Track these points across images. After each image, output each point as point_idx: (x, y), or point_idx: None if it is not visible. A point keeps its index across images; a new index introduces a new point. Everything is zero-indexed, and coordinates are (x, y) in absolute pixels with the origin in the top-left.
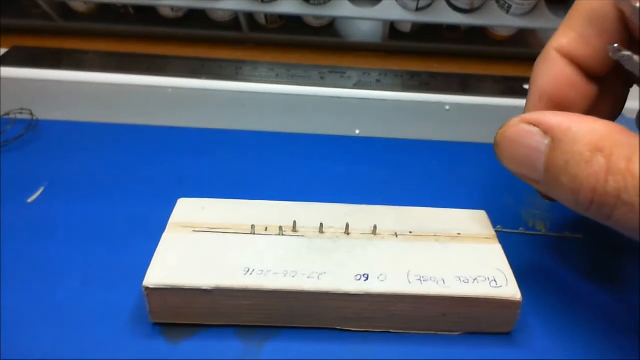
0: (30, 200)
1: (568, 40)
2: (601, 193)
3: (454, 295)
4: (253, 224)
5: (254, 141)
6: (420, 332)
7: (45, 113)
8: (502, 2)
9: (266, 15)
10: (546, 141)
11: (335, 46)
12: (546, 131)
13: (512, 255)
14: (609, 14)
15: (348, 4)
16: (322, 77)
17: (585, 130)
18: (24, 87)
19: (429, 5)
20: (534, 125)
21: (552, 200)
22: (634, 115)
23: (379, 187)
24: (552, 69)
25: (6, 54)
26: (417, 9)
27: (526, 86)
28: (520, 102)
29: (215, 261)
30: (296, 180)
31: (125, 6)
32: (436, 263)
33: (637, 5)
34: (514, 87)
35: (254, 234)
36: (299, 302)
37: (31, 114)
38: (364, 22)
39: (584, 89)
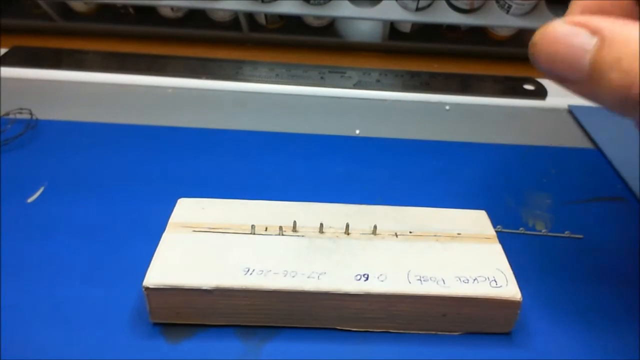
0: (30, 200)
1: None
2: None
3: (454, 295)
4: (253, 224)
5: (254, 141)
6: (420, 332)
7: (44, 113)
8: (502, 2)
9: (266, 15)
10: (593, 41)
11: (335, 46)
12: (594, 32)
13: (512, 255)
14: None
15: (348, 4)
16: (322, 77)
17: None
18: (23, 87)
19: (429, 5)
20: (581, 26)
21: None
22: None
23: (379, 187)
24: None
25: (6, 54)
26: (417, 9)
27: (526, 86)
28: (520, 102)
29: (215, 261)
30: (296, 180)
31: (125, 6)
32: (436, 263)
33: None
34: (514, 87)
35: (254, 234)
36: (299, 302)
37: (31, 113)
38: (364, 22)
39: (629, 8)
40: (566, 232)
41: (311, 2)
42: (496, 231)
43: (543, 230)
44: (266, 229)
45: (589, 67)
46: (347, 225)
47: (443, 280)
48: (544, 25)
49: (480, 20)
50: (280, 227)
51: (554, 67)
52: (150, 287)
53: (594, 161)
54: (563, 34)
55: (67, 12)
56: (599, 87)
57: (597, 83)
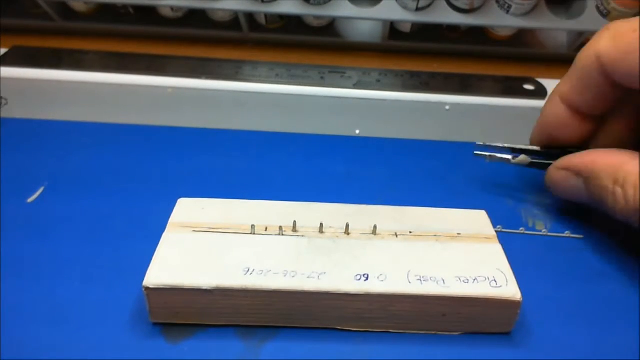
0: (30, 200)
1: (567, 89)
2: (627, 215)
3: (454, 295)
4: (253, 224)
5: (254, 141)
6: (420, 332)
7: (45, 113)
8: (502, 2)
9: (266, 15)
10: (580, 180)
11: (335, 46)
12: (577, 173)
13: (512, 255)
14: (593, 72)
15: (348, 4)
16: (322, 77)
17: (605, 165)
18: (24, 87)
19: (429, 5)
20: (567, 169)
21: None
22: None
23: (379, 187)
24: (552, 110)
25: (6, 54)
26: (417, 9)
27: (526, 86)
28: (520, 102)
29: (215, 261)
30: (296, 180)
31: (125, 6)
32: (436, 263)
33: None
34: (514, 87)
35: (254, 234)
36: (299, 302)
37: (31, 113)
38: (364, 22)
39: (577, 127)
40: (566, 232)
41: (311, 2)
42: (496, 231)
43: (543, 230)
44: (266, 229)
45: (590, 201)
46: (347, 225)
47: (443, 280)
48: (548, 170)
49: (480, 20)
50: (280, 227)
51: (573, 201)
52: (150, 287)
53: None
54: (559, 179)
55: (67, 12)
56: (609, 209)
57: (604, 207)
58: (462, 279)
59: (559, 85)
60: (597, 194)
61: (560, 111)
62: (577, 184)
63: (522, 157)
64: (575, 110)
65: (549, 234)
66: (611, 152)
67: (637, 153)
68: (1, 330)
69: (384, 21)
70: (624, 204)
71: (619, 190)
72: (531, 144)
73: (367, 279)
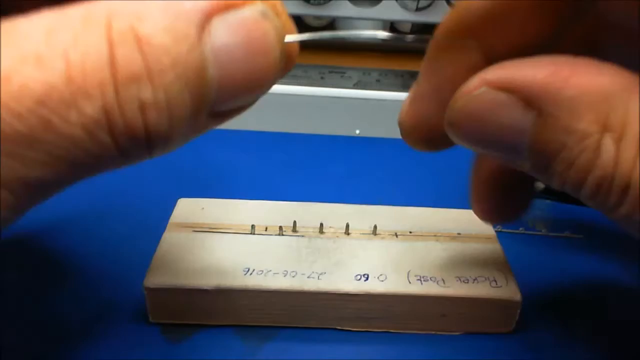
0: None
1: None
2: (606, 191)
3: (454, 296)
4: (253, 224)
5: (254, 141)
6: (420, 332)
7: None
8: None
9: None
10: (530, 115)
11: (335, 46)
12: (528, 101)
13: (512, 255)
14: None
15: (348, 4)
16: (322, 77)
17: (587, 92)
18: None
19: (429, 5)
20: (507, 91)
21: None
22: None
23: (379, 187)
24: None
25: None
26: (417, 9)
27: None
28: None
29: (215, 261)
30: (296, 180)
31: None
32: (436, 263)
33: None
34: None
35: (254, 234)
36: (299, 302)
37: None
38: (364, 22)
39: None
40: (566, 232)
41: (311, 2)
42: (496, 231)
43: (543, 230)
44: (266, 229)
45: (529, 153)
46: (347, 225)
47: (443, 280)
48: (461, 89)
49: None
50: (280, 227)
51: (489, 153)
52: (150, 287)
53: None
54: (486, 108)
55: None
56: (548, 176)
57: (545, 172)
58: (462, 279)
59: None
60: (556, 147)
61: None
62: (519, 124)
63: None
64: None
65: (549, 234)
66: (593, 65)
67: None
68: (1, 329)
69: (384, 21)
70: (611, 169)
71: (608, 142)
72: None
73: (367, 279)
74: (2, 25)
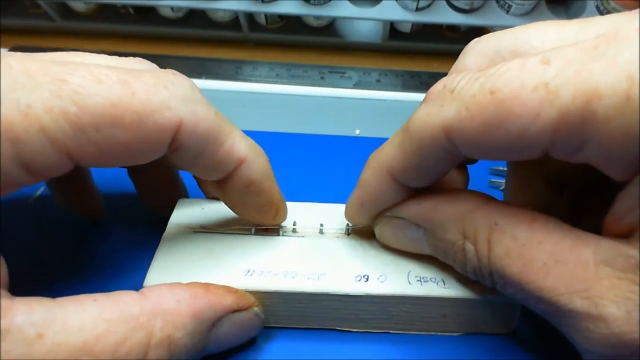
0: (31, 199)
1: (399, 165)
2: (481, 278)
3: (454, 297)
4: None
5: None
6: (420, 332)
7: None
8: (502, 2)
9: (266, 15)
10: (422, 231)
11: (335, 46)
12: (416, 223)
13: None
14: (437, 148)
15: (348, 4)
16: (322, 77)
17: (448, 215)
18: None
19: (429, 5)
20: (402, 218)
21: None
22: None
23: None
24: (380, 186)
25: None
26: (417, 9)
27: None
28: None
29: (215, 262)
30: (296, 180)
31: (125, 6)
32: (436, 264)
33: None
34: None
35: (254, 234)
36: (299, 303)
37: None
38: (364, 22)
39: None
40: None
41: (311, 2)
42: None
43: None
44: (266, 229)
45: (432, 253)
46: (347, 226)
47: (443, 281)
48: (376, 217)
49: (480, 20)
50: (280, 227)
51: (410, 252)
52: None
53: None
54: (394, 228)
55: (67, 12)
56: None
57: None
58: (462, 280)
59: (385, 155)
60: (442, 250)
61: (389, 187)
62: (417, 236)
63: None
64: (407, 185)
65: None
66: (458, 195)
67: (489, 196)
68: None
69: (384, 21)
70: (477, 263)
71: (469, 246)
72: (351, 222)
73: (367, 279)
74: None
